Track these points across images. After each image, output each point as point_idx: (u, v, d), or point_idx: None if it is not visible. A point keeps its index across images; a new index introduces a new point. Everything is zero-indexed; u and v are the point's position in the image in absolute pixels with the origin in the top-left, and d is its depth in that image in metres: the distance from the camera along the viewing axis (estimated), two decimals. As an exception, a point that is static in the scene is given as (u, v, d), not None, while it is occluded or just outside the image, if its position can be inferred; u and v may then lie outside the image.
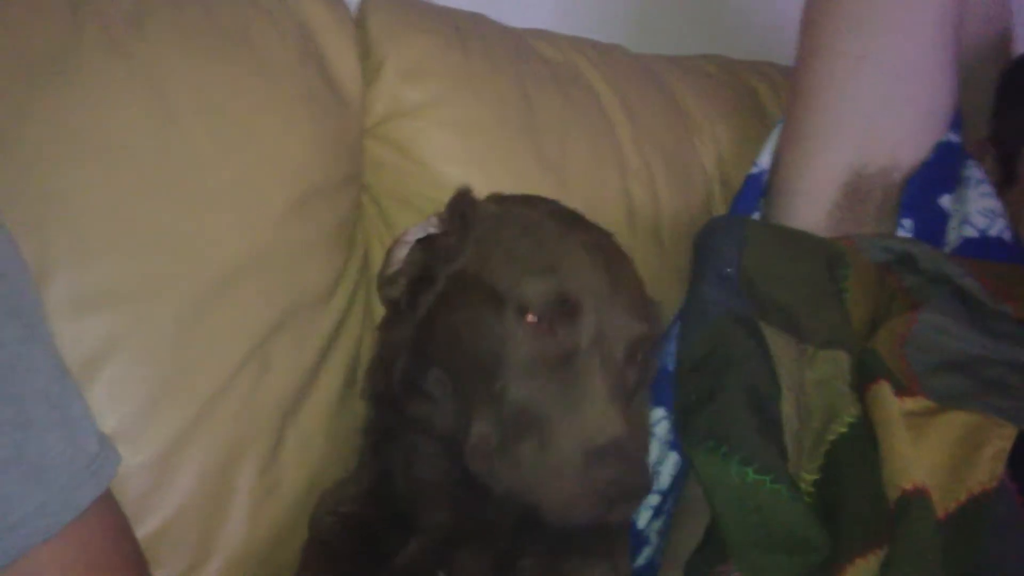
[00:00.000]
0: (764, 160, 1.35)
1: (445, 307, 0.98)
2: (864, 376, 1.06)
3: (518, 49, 1.36)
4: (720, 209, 1.39)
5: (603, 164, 1.31)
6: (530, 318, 0.92)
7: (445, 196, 1.22)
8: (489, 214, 1.02)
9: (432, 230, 1.02)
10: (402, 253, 1.02)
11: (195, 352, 1.06)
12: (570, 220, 1.02)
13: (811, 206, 1.27)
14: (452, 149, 1.26)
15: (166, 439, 1.04)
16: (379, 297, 1.05)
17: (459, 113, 1.27)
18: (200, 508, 1.04)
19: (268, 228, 1.11)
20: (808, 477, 1.02)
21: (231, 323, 1.08)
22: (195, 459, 1.05)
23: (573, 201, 1.25)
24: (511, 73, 1.31)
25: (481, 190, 1.24)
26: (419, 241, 1.02)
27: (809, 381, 1.10)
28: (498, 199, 1.06)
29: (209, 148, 1.10)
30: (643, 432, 1.07)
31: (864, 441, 1.01)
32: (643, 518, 1.17)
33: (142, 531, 1.00)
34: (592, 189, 1.29)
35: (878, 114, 1.26)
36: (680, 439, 1.12)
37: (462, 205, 1.02)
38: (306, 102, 1.17)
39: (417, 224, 1.04)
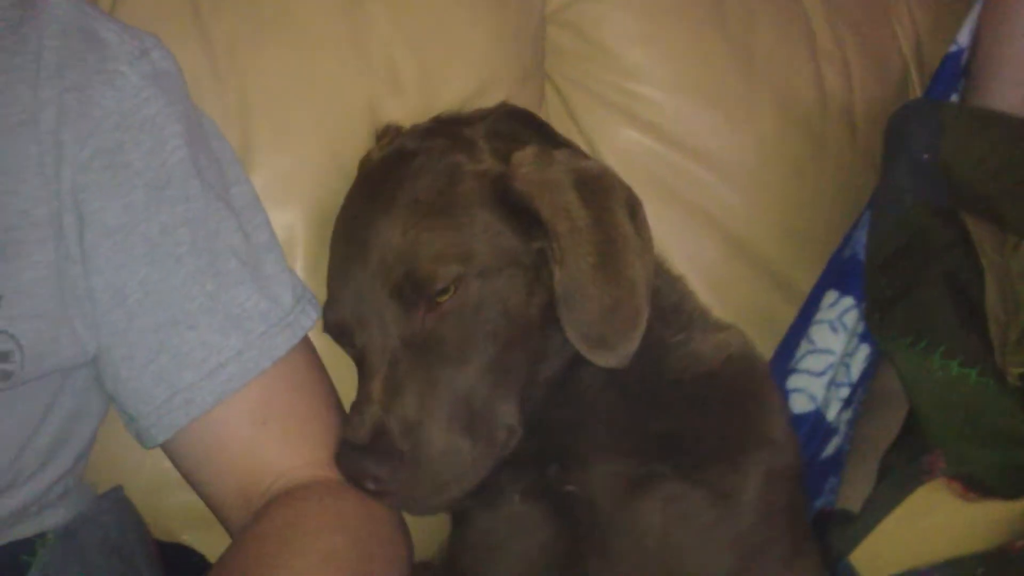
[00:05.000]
0: (963, 38, 1.28)
1: None
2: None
3: (701, -74, 1.31)
4: (916, 92, 1.33)
5: (793, 46, 1.26)
6: None
7: (629, 82, 1.21)
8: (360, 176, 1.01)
9: None
10: None
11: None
12: (350, 210, 0.97)
13: (1014, 88, 1.20)
14: (635, 32, 1.22)
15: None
16: None
17: (642, -6, 1.23)
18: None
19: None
20: (1015, 371, 0.99)
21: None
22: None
23: (761, 85, 1.22)
24: (695, -48, 1.26)
25: (665, 74, 1.22)
26: None
27: (1014, 272, 1.06)
28: (393, 148, 0.99)
29: (396, 36, 1.10)
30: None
31: (1077, 333, 0.97)
32: (833, 410, 1.16)
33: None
34: (781, 72, 1.24)
35: (1088, -15, 1.18)
36: (874, 332, 1.10)
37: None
38: (489, -9, 1.16)
39: None
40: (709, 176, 1.20)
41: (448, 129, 0.97)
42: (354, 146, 1.07)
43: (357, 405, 0.89)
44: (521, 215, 0.90)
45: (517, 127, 0.99)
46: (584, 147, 1.20)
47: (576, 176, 0.92)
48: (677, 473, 0.92)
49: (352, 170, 1.05)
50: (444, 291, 0.88)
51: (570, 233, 0.89)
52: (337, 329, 0.93)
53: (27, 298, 0.83)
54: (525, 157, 0.92)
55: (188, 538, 1.00)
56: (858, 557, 0.95)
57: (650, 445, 0.93)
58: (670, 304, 0.98)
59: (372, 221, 0.91)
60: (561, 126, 1.21)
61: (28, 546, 0.82)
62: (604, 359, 0.89)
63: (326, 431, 0.91)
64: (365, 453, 0.86)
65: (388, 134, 1.03)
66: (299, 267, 1.04)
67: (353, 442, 0.87)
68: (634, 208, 0.94)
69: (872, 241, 1.13)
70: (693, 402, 0.95)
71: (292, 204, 1.06)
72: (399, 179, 0.92)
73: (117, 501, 0.93)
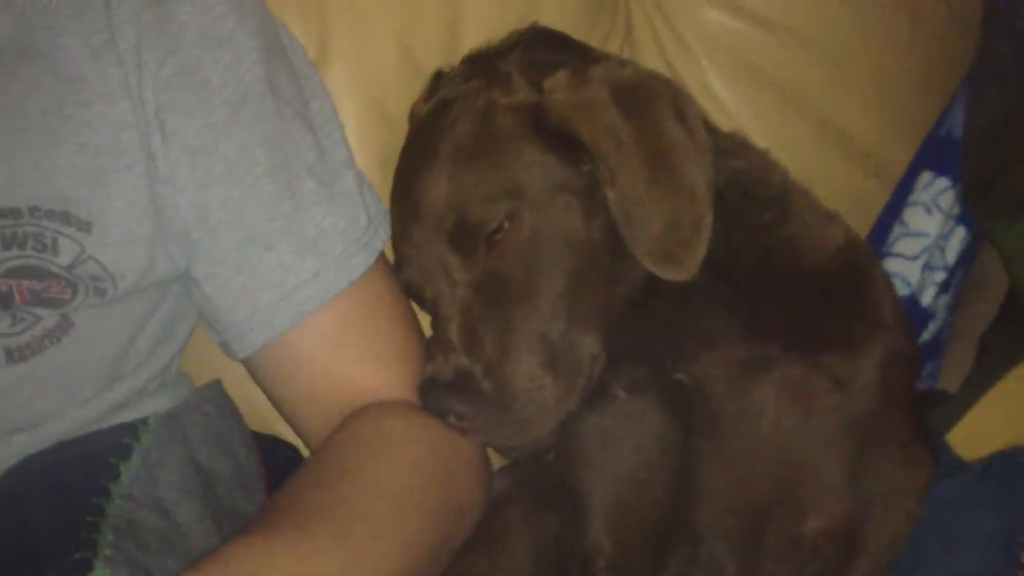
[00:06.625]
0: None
1: None
2: None
3: None
4: (1016, -43, 1.26)
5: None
6: None
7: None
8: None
9: None
10: None
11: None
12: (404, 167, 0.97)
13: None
14: None
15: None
16: None
17: None
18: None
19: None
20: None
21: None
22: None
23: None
24: None
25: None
26: None
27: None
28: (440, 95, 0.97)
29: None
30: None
31: None
32: (928, 294, 1.14)
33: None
34: (872, -63, 1.19)
35: None
36: (972, 210, 1.06)
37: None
38: None
39: None
40: (796, 53, 1.17)
41: (484, 67, 0.96)
42: (430, 41, 1.08)
43: (437, 349, 0.89)
44: (565, 141, 0.89)
45: (552, 50, 0.97)
46: (664, 30, 1.17)
47: (614, 90, 0.90)
48: (791, 357, 0.90)
49: (427, 66, 1.04)
50: (498, 230, 0.87)
51: (616, 151, 0.88)
52: (408, 288, 0.94)
53: (118, 225, 0.84)
54: (558, 82, 0.90)
55: (280, 428, 1.02)
56: (955, 437, 0.93)
57: (761, 330, 0.91)
58: (754, 180, 0.96)
59: (421, 176, 0.91)
60: (641, 8, 1.18)
61: (131, 430, 0.85)
62: (672, 273, 0.88)
63: (405, 354, 0.92)
64: (449, 389, 0.87)
65: (434, 82, 1.01)
66: (372, 163, 1.04)
67: (437, 379, 0.88)
68: (682, 110, 0.91)
69: (971, 116, 1.09)
70: (803, 293, 0.94)
71: (367, 100, 1.07)
72: (440, 129, 0.92)
73: (217, 392, 0.95)
